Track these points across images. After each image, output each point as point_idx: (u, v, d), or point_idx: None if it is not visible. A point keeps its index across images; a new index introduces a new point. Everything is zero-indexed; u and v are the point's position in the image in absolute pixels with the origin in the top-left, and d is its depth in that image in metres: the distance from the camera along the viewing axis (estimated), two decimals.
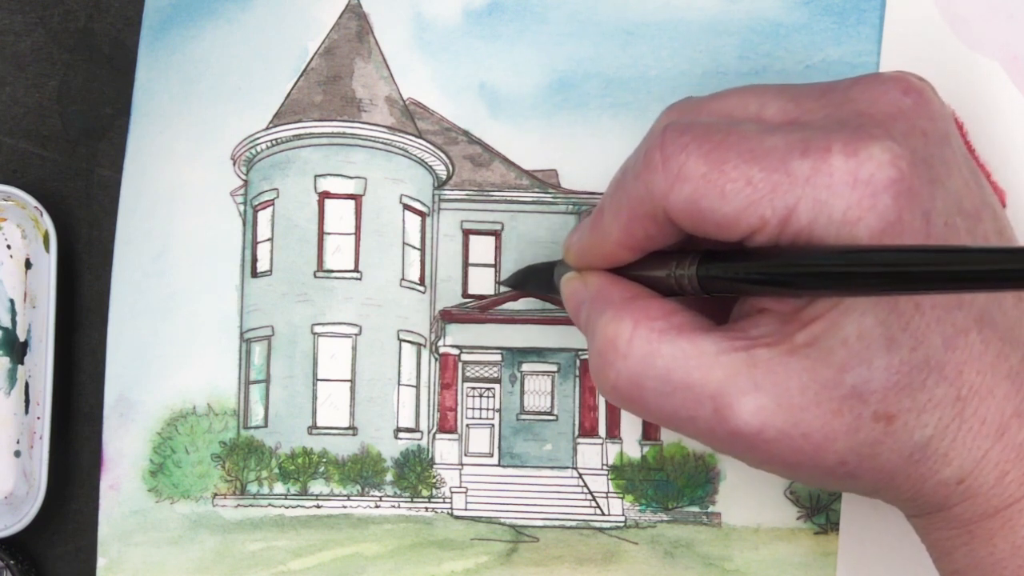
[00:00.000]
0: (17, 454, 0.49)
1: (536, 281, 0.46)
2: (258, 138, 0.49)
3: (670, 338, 0.36)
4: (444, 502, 0.48)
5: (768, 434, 0.35)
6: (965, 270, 0.28)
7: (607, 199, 0.38)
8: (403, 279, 0.49)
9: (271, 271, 0.49)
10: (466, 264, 0.49)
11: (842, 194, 0.33)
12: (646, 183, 0.35)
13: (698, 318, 0.37)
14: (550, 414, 0.50)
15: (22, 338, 0.49)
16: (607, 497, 0.48)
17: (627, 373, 0.36)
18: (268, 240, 0.49)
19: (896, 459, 0.35)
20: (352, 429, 0.48)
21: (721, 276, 0.35)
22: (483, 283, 0.49)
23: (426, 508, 0.48)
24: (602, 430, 0.49)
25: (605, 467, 0.48)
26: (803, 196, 0.33)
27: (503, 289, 0.49)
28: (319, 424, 0.48)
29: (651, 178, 0.35)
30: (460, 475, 0.48)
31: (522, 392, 0.50)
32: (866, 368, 0.34)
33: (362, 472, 0.48)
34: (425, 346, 0.49)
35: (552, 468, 0.49)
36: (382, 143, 0.49)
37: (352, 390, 0.49)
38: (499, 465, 0.49)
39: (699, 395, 0.35)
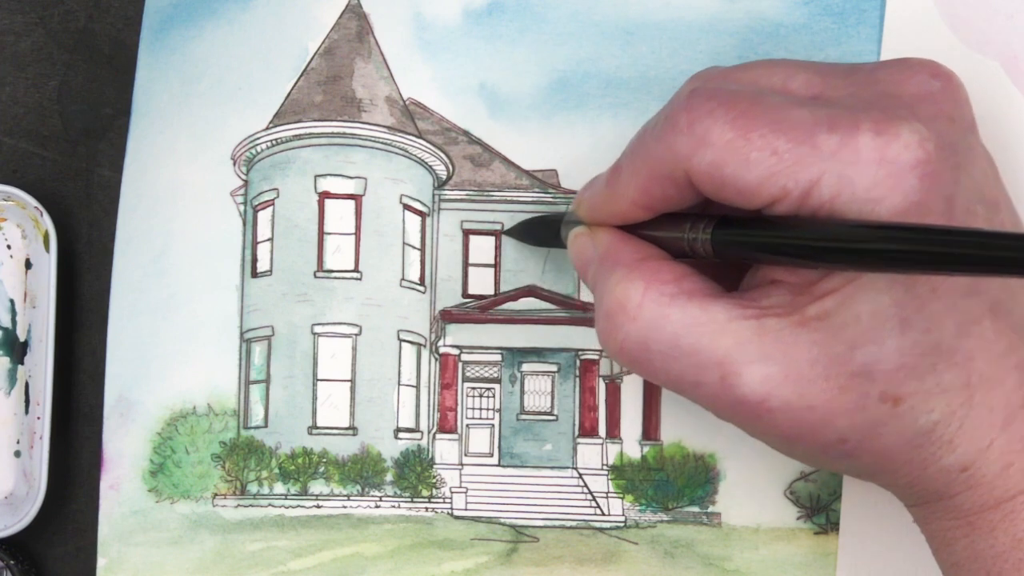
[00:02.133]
0: (17, 454, 0.49)
1: (541, 233, 0.46)
2: (258, 138, 0.49)
3: (680, 303, 0.36)
4: (444, 502, 0.48)
5: (772, 403, 0.35)
6: (985, 255, 0.28)
7: (626, 157, 0.38)
8: (403, 279, 0.49)
9: (271, 271, 0.49)
10: (466, 264, 0.49)
11: (867, 171, 0.33)
12: (669, 144, 0.35)
13: (709, 284, 0.37)
14: (550, 414, 0.50)
15: (22, 338, 0.49)
16: (607, 497, 0.48)
17: (635, 335, 0.36)
18: (268, 240, 0.49)
19: (899, 442, 0.35)
20: (352, 429, 0.48)
21: (737, 242, 0.35)
22: (483, 283, 0.49)
23: (426, 508, 0.48)
24: (602, 430, 0.49)
25: (605, 467, 0.48)
26: (827, 170, 0.33)
27: (503, 289, 0.49)
28: (319, 424, 0.48)
29: (675, 140, 0.35)
30: (460, 475, 0.48)
31: (522, 392, 0.50)
32: (877, 347, 0.34)
33: (362, 472, 0.48)
34: (425, 346, 0.49)
35: (552, 468, 0.49)
36: (382, 143, 0.49)
37: (352, 390, 0.49)
38: (499, 465, 0.49)
39: (706, 361, 0.35)
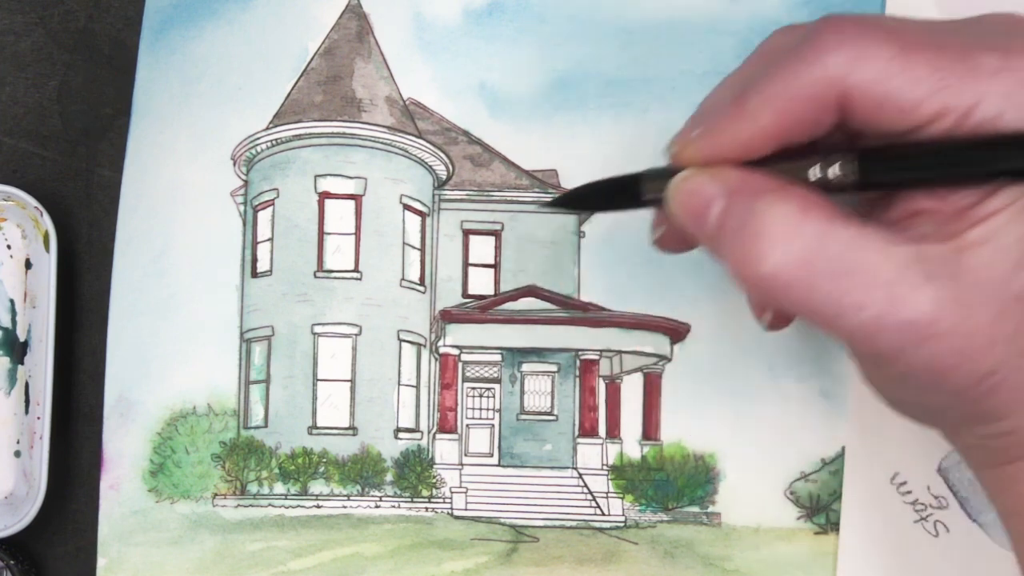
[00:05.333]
0: (17, 454, 0.49)
1: (604, 198, 0.41)
2: (258, 138, 0.49)
3: (840, 223, 0.35)
4: (444, 502, 0.48)
5: (940, 327, 0.34)
6: None
7: (754, 85, 0.36)
8: (403, 279, 0.49)
9: (271, 271, 0.49)
10: (466, 264, 0.49)
11: None
12: (824, 64, 0.34)
13: (854, 214, 0.36)
14: (550, 414, 0.50)
15: (22, 338, 0.49)
16: (607, 497, 0.48)
17: (797, 253, 0.35)
18: (268, 240, 0.49)
19: None
20: (352, 429, 0.48)
21: (898, 169, 0.35)
22: (483, 283, 0.49)
23: (426, 508, 0.48)
24: (602, 430, 0.49)
25: (605, 467, 0.48)
26: (991, 89, 0.33)
27: (503, 288, 0.49)
28: (319, 424, 0.48)
29: (829, 58, 0.34)
30: (460, 475, 0.48)
31: (522, 392, 0.50)
32: None
33: (362, 472, 0.48)
34: (425, 346, 0.49)
35: (552, 468, 0.49)
36: (382, 143, 0.49)
37: (352, 390, 0.49)
38: (499, 465, 0.49)
39: (872, 282, 0.34)
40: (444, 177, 0.50)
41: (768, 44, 0.38)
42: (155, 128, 0.49)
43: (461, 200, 0.50)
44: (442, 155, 0.49)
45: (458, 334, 0.49)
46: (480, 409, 0.50)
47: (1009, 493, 0.38)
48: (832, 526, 0.47)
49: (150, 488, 0.48)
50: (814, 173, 0.36)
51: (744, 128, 0.36)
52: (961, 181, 0.35)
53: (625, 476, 0.48)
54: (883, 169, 0.35)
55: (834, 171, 0.36)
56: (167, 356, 0.48)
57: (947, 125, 0.34)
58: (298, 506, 0.48)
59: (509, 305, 0.49)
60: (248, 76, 0.49)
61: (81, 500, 0.49)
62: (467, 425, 0.49)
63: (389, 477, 0.48)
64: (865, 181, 0.36)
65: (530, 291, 0.49)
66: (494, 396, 0.50)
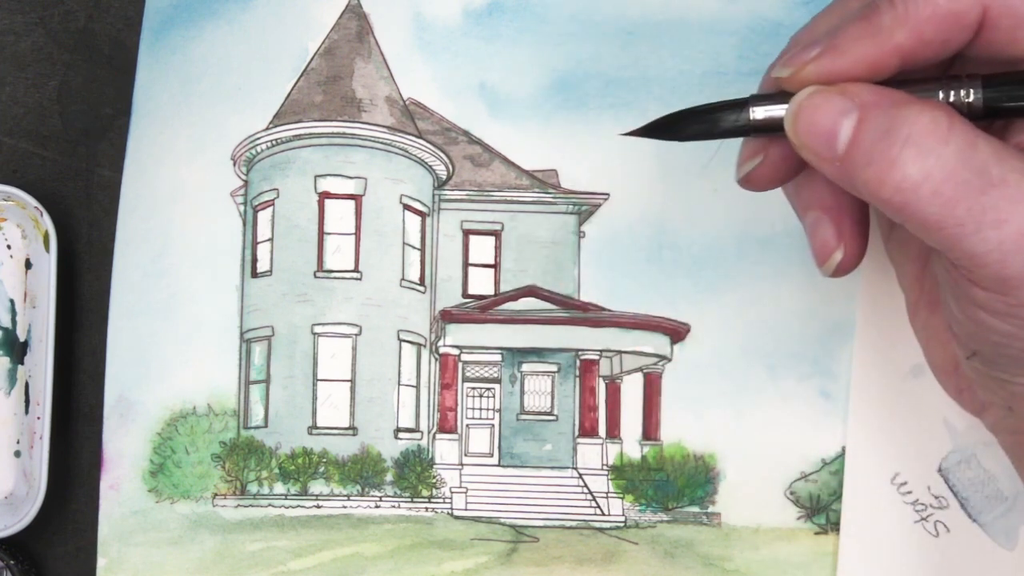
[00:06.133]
0: (17, 454, 0.49)
1: (700, 123, 0.38)
2: (258, 138, 0.49)
3: (984, 137, 0.34)
4: (444, 502, 0.48)
5: None
6: None
7: (886, 1, 0.35)
8: (403, 279, 0.49)
9: (271, 271, 0.49)
10: (466, 264, 0.49)
11: None
12: None
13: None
14: (550, 414, 0.50)
15: (22, 338, 0.49)
16: (607, 497, 0.48)
17: (946, 160, 0.33)
18: (268, 240, 0.49)
19: None
20: (352, 429, 0.48)
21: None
22: (483, 283, 0.49)
23: (426, 508, 0.48)
24: (602, 430, 0.49)
25: (605, 467, 0.48)
26: None
27: (503, 289, 0.49)
28: (319, 424, 0.48)
29: None
30: (460, 475, 0.48)
31: (522, 392, 0.50)
32: None
33: (362, 472, 0.48)
34: (425, 346, 0.49)
35: (552, 468, 0.49)
36: (382, 143, 0.49)
37: (352, 390, 0.49)
38: (499, 465, 0.49)
39: (1017, 196, 0.33)
40: (444, 177, 0.50)
41: None
42: (155, 128, 0.49)
43: (461, 200, 0.50)
44: (442, 155, 0.49)
45: (458, 334, 0.49)
46: (480, 409, 0.50)
47: None
48: (832, 526, 0.47)
49: (150, 488, 0.48)
50: (939, 97, 0.35)
51: (875, 45, 0.35)
52: None
53: (625, 476, 0.48)
54: (1008, 95, 0.35)
55: (959, 95, 0.35)
56: (167, 356, 0.48)
57: None
58: (298, 506, 0.48)
59: (509, 305, 0.49)
60: (248, 76, 0.49)
61: (81, 500, 0.49)
62: (467, 425, 0.49)
63: (389, 477, 0.48)
64: (990, 107, 0.35)
65: (530, 291, 0.49)
66: (494, 396, 0.50)
